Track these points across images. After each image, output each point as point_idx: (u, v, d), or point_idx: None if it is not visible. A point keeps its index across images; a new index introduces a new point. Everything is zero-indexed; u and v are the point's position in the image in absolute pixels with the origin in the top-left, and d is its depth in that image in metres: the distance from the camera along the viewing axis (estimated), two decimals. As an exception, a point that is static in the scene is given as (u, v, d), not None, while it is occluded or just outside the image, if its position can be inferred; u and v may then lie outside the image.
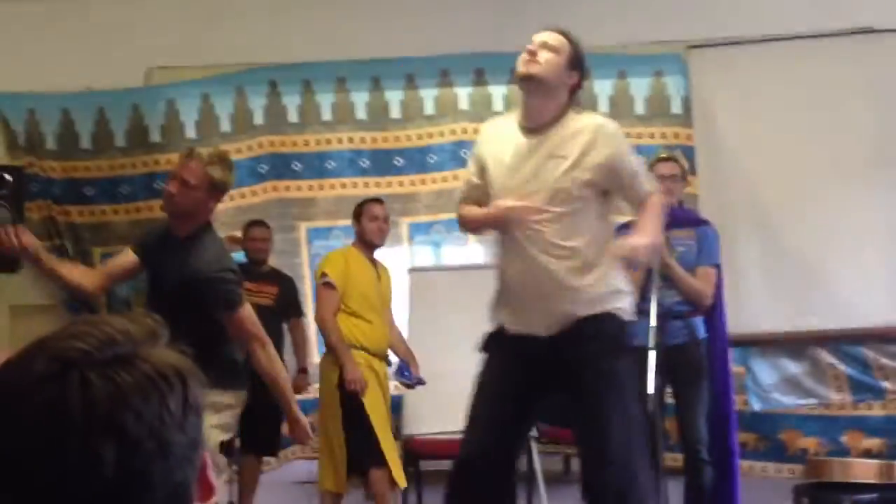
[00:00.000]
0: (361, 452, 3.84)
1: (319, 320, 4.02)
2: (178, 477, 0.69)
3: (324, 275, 4.01)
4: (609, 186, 2.70)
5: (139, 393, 0.68)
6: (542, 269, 2.62)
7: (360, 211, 4.14)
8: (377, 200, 4.22)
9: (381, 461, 3.84)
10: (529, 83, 2.64)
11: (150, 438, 0.67)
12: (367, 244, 4.15)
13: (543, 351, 2.65)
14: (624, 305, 2.72)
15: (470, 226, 2.93)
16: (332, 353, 3.95)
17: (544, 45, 2.65)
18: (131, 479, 0.66)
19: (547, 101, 2.66)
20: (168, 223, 2.97)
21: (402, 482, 3.98)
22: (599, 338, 2.65)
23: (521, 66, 2.64)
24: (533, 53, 2.64)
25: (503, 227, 2.69)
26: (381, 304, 4.13)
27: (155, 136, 5.13)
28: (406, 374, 4.17)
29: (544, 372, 2.68)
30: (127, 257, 3.00)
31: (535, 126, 2.68)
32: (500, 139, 2.76)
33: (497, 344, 2.74)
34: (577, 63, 2.69)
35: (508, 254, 2.71)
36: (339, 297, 3.97)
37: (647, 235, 2.58)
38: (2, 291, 4.59)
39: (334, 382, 3.91)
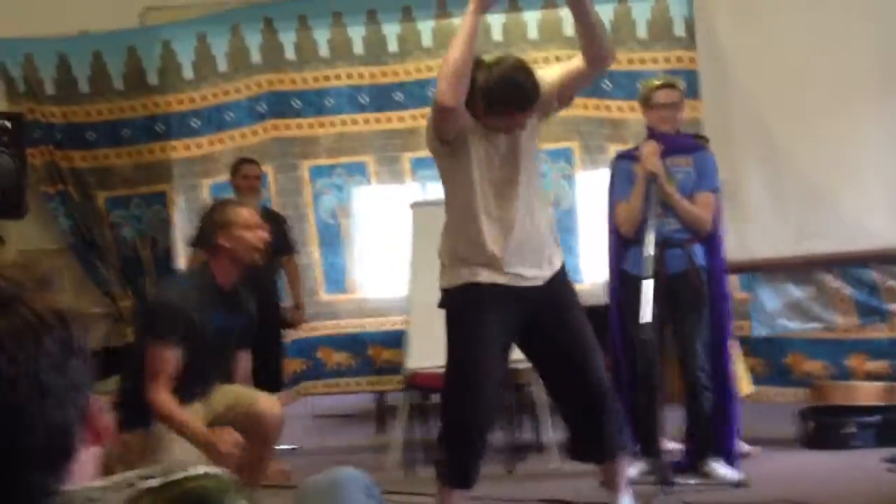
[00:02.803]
0: None
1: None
2: (58, 418, 0.70)
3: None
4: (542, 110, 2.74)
5: (13, 335, 0.69)
6: (534, 223, 2.74)
7: None
8: None
9: None
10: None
11: (25, 378, 0.68)
12: None
13: (530, 298, 2.75)
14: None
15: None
16: None
17: None
18: (7, 418, 0.68)
19: None
20: (213, 278, 2.88)
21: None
22: (570, 285, 2.89)
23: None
24: None
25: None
26: None
27: (152, 79, 5.08)
28: None
29: (524, 320, 2.78)
30: (174, 356, 2.77)
31: None
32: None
33: (481, 298, 2.75)
34: None
35: (494, 211, 2.74)
36: None
37: None
38: (9, 236, 4.63)
39: None
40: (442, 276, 2.82)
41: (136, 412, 2.71)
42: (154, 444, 2.67)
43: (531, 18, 4.94)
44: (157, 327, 2.76)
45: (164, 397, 2.69)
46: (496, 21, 4.88)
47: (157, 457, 2.66)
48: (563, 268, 2.84)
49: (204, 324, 2.76)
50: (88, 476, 0.83)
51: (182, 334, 2.73)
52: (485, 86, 2.61)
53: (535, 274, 2.76)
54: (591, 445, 2.81)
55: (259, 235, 2.86)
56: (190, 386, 2.74)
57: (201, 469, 0.93)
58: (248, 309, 2.97)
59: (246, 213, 2.88)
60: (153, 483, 0.91)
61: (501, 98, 2.62)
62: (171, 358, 2.72)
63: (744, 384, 4.17)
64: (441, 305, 2.83)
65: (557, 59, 4.64)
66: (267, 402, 2.73)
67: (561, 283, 2.81)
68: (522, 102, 2.62)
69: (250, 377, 3.01)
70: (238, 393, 2.77)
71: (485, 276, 2.73)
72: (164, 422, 2.68)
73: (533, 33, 4.96)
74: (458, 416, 2.72)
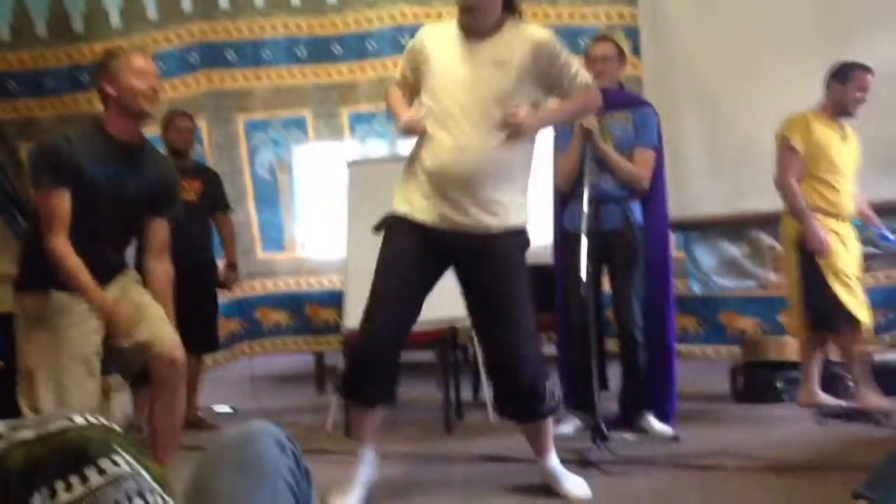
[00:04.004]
0: (817, 311, 3.84)
1: (780, 184, 3.94)
2: None
3: (785, 138, 3.94)
4: (543, 84, 2.77)
5: None
6: (479, 169, 2.67)
7: (847, 75, 3.93)
8: None
9: (841, 321, 3.80)
10: (469, 13, 2.74)
11: None
12: (835, 110, 3.99)
13: (454, 240, 2.72)
14: (527, 219, 2.84)
15: (390, 111, 2.96)
16: (794, 216, 3.89)
17: None
18: None
19: (486, 14, 2.75)
20: (103, 128, 2.72)
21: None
22: (514, 243, 2.78)
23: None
24: None
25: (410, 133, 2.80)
26: (847, 167, 3.98)
27: (78, 26, 4.87)
28: (885, 237, 4.12)
29: (448, 256, 2.75)
30: (62, 199, 2.63)
31: (477, 34, 2.76)
32: (443, 43, 2.80)
33: (403, 225, 2.77)
34: None
35: (440, 148, 2.71)
36: (800, 161, 3.91)
37: (537, 115, 2.75)
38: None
39: (794, 242, 3.90)
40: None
41: (35, 274, 2.63)
42: (52, 308, 2.59)
43: None
44: (39, 173, 2.63)
45: (59, 242, 2.58)
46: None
47: (56, 321, 2.57)
48: (516, 231, 2.76)
49: (91, 171, 2.62)
50: None
51: (65, 178, 2.59)
52: None
53: (471, 220, 2.70)
54: (509, 405, 2.82)
55: (149, 83, 2.68)
56: (85, 238, 2.61)
57: (81, 418, 0.87)
58: (157, 171, 2.79)
59: (135, 59, 2.70)
60: (27, 434, 0.84)
61: None
62: (59, 202, 2.59)
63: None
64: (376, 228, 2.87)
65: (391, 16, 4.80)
66: (166, 347, 2.68)
67: (504, 248, 2.73)
68: None
69: (166, 248, 2.87)
70: (152, 327, 2.69)
71: (416, 212, 2.74)
72: (59, 268, 2.57)
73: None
74: (363, 329, 2.71)
